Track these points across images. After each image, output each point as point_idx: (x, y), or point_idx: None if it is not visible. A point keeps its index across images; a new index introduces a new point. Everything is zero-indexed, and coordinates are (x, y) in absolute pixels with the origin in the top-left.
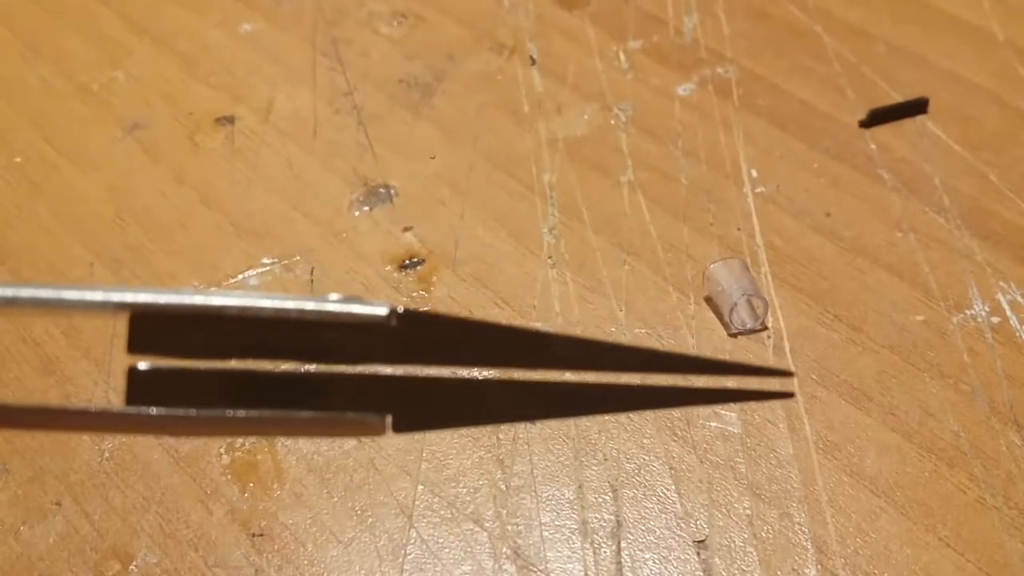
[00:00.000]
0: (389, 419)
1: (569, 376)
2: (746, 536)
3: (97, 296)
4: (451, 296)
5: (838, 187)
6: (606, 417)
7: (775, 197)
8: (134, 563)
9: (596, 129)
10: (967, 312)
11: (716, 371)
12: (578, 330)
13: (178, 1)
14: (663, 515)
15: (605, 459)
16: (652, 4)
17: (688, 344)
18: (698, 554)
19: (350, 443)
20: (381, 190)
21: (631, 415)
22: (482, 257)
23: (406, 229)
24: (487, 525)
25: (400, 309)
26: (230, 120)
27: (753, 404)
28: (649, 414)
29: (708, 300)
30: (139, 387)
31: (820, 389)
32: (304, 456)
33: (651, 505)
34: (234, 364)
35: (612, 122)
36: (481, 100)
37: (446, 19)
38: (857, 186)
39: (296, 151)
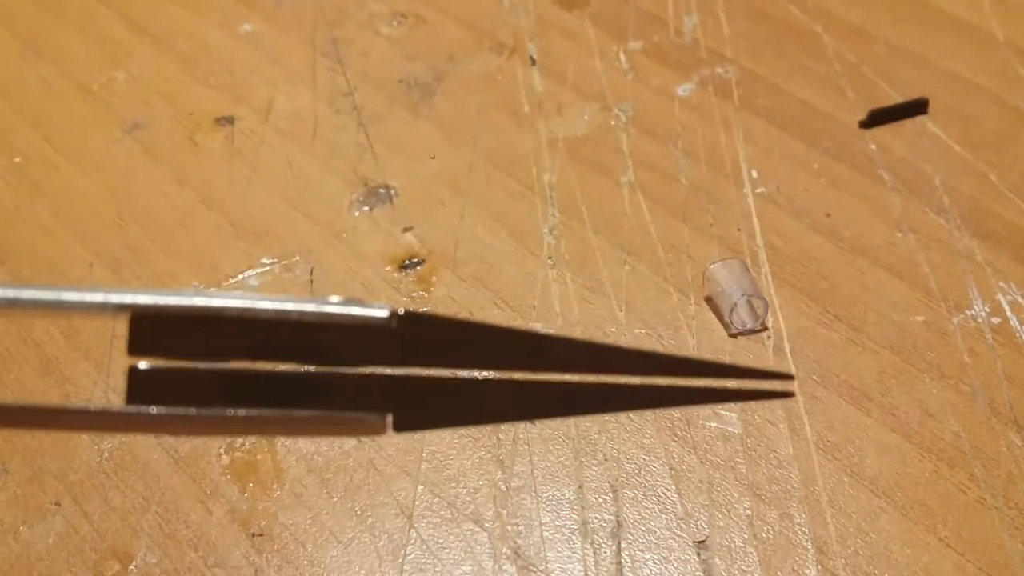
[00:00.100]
0: (389, 418)
1: (569, 376)
2: (746, 536)
3: (98, 297)
4: (451, 296)
5: (838, 187)
6: (606, 417)
7: (775, 197)
8: (133, 563)
9: (596, 129)
10: (967, 312)
11: (716, 374)
12: (578, 331)
13: (178, 1)
14: (663, 515)
15: (605, 459)
16: (652, 4)
17: (688, 344)
18: (698, 554)
19: (350, 443)
20: (381, 190)
21: (631, 415)
22: (482, 257)
23: (406, 229)
24: (487, 525)
25: (400, 311)
26: (230, 120)
27: (753, 404)
28: (649, 414)
29: (708, 300)
30: (139, 386)
31: (820, 389)
32: (304, 456)
33: (651, 505)
34: (234, 365)
35: (612, 122)
36: (481, 100)
37: (446, 19)
38: (857, 186)
39: (296, 151)
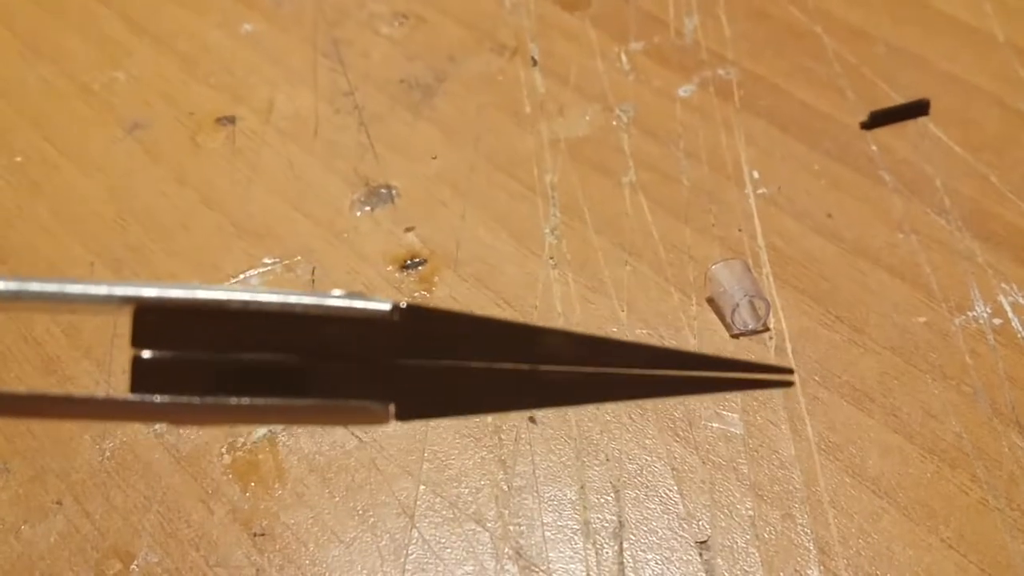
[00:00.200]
0: (392, 407)
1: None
2: (748, 537)
3: (102, 290)
4: (452, 296)
5: (839, 188)
6: (608, 416)
7: (776, 198)
8: (135, 562)
9: (598, 130)
10: (969, 314)
11: (716, 367)
12: (579, 331)
13: (178, 1)
14: (665, 516)
15: (607, 460)
16: (653, 5)
17: (690, 345)
18: (700, 555)
19: (352, 443)
20: (382, 190)
21: (632, 415)
22: (484, 257)
23: (407, 229)
24: (489, 525)
25: (403, 304)
26: (231, 120)
27: (755, 405)
28: (651, 414)
29: (710, 301)
30: (143, 376)
31: (822, 390)
32: (306, 456)
33: (653, 506)
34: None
35: (614, 123)
36: (482, 101)
37: (447, 20)
38: (858, 187)
39: (297, 151)
